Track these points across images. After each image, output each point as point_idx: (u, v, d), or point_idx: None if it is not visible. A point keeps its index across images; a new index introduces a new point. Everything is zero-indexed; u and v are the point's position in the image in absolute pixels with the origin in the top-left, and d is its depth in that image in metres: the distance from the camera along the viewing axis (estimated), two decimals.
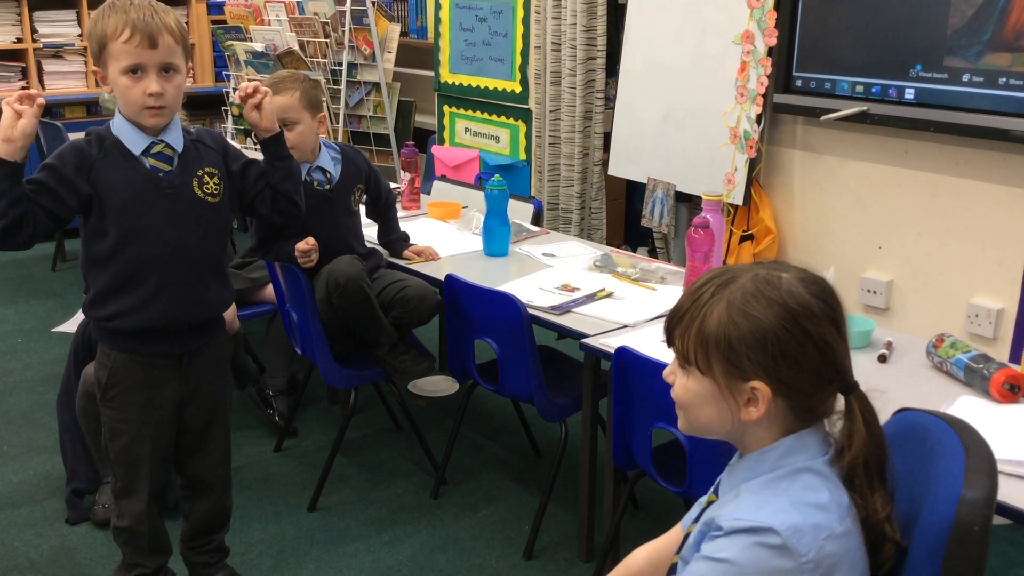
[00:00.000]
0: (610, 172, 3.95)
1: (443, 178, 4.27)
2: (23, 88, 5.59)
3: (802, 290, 1.22)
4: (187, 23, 6.10)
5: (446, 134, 4.89)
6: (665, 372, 1.32)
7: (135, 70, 1.94)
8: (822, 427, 1.26)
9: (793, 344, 1.20)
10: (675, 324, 1.27)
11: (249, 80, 2.19)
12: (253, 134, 2.23)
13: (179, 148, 2.06)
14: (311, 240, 2.67)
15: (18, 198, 1.91)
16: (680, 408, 1.30)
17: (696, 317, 1.23)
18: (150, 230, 2.02)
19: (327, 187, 2.76)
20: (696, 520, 1.36)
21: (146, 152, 2.02)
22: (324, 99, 2.61)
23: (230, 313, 3.13)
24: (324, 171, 2.77)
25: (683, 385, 1.27)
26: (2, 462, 3.10)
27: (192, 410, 2.21)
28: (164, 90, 1.96)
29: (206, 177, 2.09)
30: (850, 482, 1.22)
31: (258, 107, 2.14)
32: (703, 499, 1.43)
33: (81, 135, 2.06)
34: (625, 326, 2.40)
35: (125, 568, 2.27)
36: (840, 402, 1.25)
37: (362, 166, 2.88)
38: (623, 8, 3.83)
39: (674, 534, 1.49)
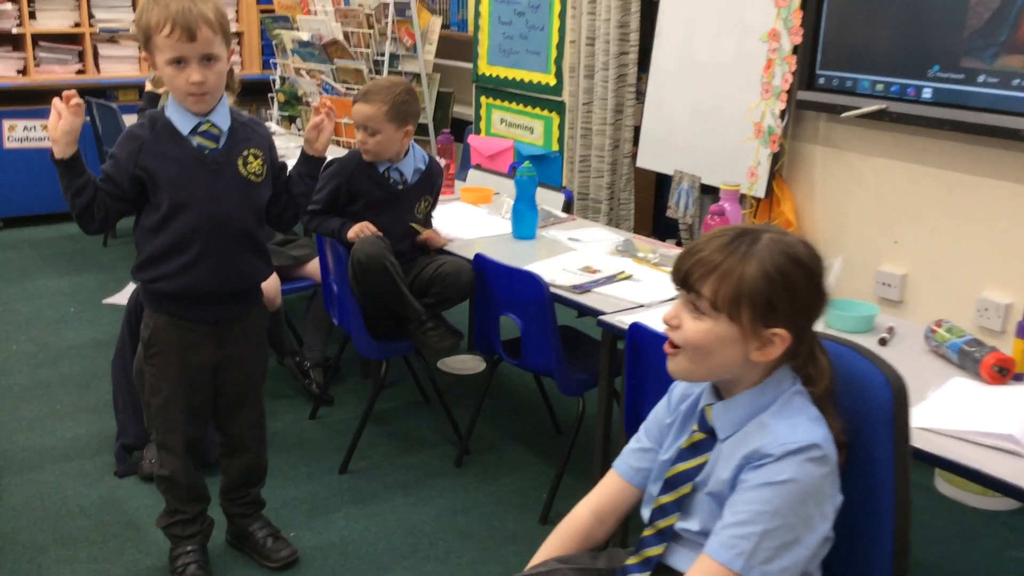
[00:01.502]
0: (638, 164, 4.09)
1: (478, 167, 4.42)
2: (79, 72, 5.84)
3: (811, 252, 1.44)
4: (237, 12, 6.32)
5: (482, 124, 5.05)
6: (668, 316, 1.48)
7: (178, 61, 2.10)
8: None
9: (811, 296, 1.43)
10: (704, 275, 1.42)
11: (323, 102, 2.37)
12: (304, 140, 2.38)
13: (224, 128, 2.22)
14: (370, 226, 2.90)
15: (80, 188, 2.11)
16: (692, 350, 1.44)
17: (733, 271, 1.40)
18: (194, 203, 2.19)
19: (400, 187, 2.97)
20: (679, 460, 1.50)
21: (193, 131, 2.19)
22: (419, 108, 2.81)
23: (273, 290, 3.32)
24: (401, 173, 2.97)
25: (703, 330, 1.42)
26: (57, 420, 3.32)
27: (227, 375, 2.38)
28: (205, 78, 2.12)
29: (251, 157, 2.25)
30: (817, 405, 1.46)
31: (321, 129, 2.31)
32: (639, 439, 1.61)
33: (134, 116, 2.26)
34: (641, 305, 2.54)
35: (168, 514, 2.45)
36: None
37: (436, 183, 3.09)
38: (656, 5, 3.96)
39: (611, 484, 1.64)
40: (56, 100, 2.05)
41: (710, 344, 1.43)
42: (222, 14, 2.15)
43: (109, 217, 2.18)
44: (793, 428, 1.40)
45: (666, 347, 1.48)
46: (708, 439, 1.50)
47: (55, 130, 2.05)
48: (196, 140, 2.19)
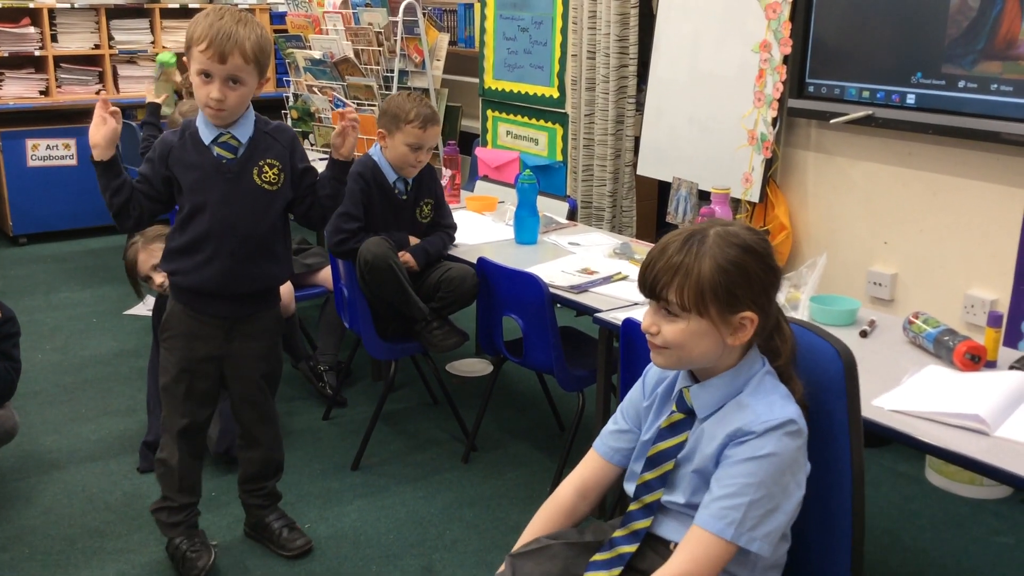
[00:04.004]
0: (639, 172, 4.22)
1: (485, 178, 4.57)
2: (99, 92, 6.03)
3: (756, 236, 1.56)
4: None
5: (489, 137, 5.20)
6: (646, 324, 1.59)
7: (206, 74, 2.26)
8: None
9: (765, 276, 1.55)
10: (667, 281, 1.54)
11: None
12: (330, 148, 2.49)
13: (244, 140, 2.37)
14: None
15: (117, 189, 2.32)
16: (673, 349, 1.56)
17: (691, 271, 1.52)
18: (208, 207, 2.35)
19: (403, 197, 3.12)
20: (659, 440, 1.63)
21: (214, 141, 2.35)
22: None
23: (287, 296, 3.46)
24: (407, 183, 3.13)
25: (678, 330, 1.54)
26: (81, 423, 3.47)
27: (232, 371, 2.51)
28: (225, 96, 2.27)
29: (266, 167, 2.39)
30: (783, 374, 1.59)
31: (345, 134, 2.43)
32: (616, 421, 1.75)
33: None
34: (635, 303, 2.66)
35: (160, 500, 2.59)
36: None
37: (436, 190, 3.23)
38: (654, 19, 4.09)
39: (592, 463, 1.76)
40: (99, 107, 2.24)
41: (688, 341, 1.55)
42: (262, 48, 2.27)
43: (143, 216, 2.38)
44: (771, 407, 1.53)
45: (650, 344, 1.61)
46: (687, 419, 1.62)
47: (97, 135, 2.24)
48: (216, 150, 2.35)
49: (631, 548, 1.64)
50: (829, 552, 1.67)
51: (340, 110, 2.49)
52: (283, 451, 2.71)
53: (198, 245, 2.37)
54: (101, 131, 2.24)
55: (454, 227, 3.26)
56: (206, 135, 2.35)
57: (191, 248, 2.37)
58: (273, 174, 2.40)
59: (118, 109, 2.28)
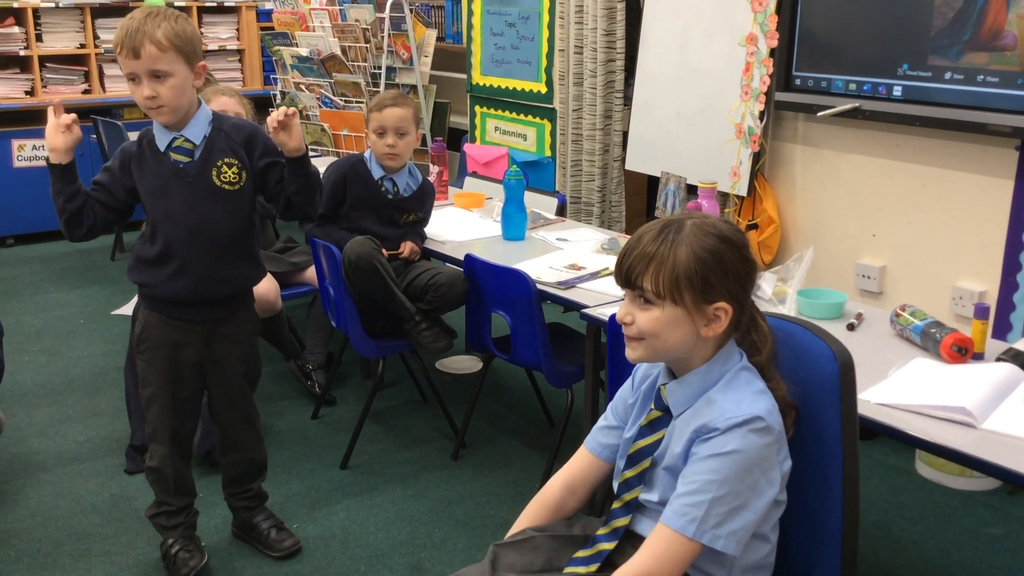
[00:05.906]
0: (627, 167, 4.21)
1: (474, 174, 4.56)
2: (85, 91, 6.00)
3: (733, 228, 1.56)
4: (238, 30, 6.48)
5: (477, 133, 5.18)
6: (621, 314, 1.59)
7: (132, 77, 2.23)
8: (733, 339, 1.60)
9: (741, 267, 1.54)
10: (642, 269, 1.53)
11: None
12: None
13: (198, 141, 2.32)
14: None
15: (73, 194, 2.26)
16: (647, 338, 1.55)
17: (667, 259, 1.51)
18: (173, 215, 2.31)
19: (390, 196, 3.12)
20: (639, 437, 1.62)
21: (169, 146, 2.31)
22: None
23: (272, 293, 3.45)
24: (395, 183, 3.13)
25: (652, 318, 1.53)
26: (69, 424, 3.45)
27: (213, 374, 2.49)
28: (157, 92, 2.22)
29: (224, 167, 2.34)
30: (764, 371, 1.57)
31: (287, 128, 2.31)
32: (606, 418, 1.73)
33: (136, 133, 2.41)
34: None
35: (155, 505, 2.57)
36: None
37: (426, 203, 3.25)
38: (641, 13, 4.08)
39: (581, 459, 1.76)
40: (62, 115, 2.20)
41: (661, 329, 1.53)
42: (177, 34, 2.21)
43: (96, 225, 2.33)
44: (738, 402, 1.51)
45: (625, 337, 1.60)
46: (664, 416, 1.62)
47: (57, 140, 2.21)
48: (172, 155, 2.31)
49: (610, 546, 1.64)
50: (818, 559, 1.63)
51: (272, 120, 2.34)
52: (265, 451, 2.69)
53: (168, 254, 2.33)
54: (61, 137, 2.21)
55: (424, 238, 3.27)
56: (161, 141, 2.31)
57: (162, 258, 2.33)
58: (232, 174, 2.35)
59: (75, 115, 2.23)
